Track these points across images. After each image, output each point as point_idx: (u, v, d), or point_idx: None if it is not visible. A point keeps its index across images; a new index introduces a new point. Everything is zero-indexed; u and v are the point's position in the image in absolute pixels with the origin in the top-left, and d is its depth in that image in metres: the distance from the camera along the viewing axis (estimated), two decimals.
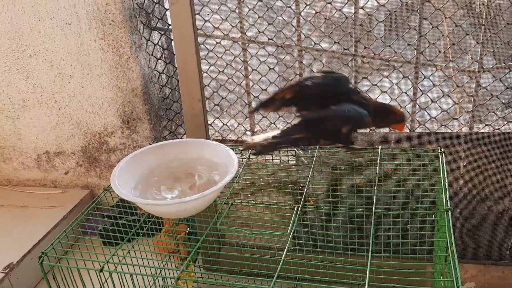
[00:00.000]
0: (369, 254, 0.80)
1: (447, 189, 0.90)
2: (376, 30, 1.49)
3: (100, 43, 1.53)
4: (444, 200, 0.87)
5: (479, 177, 1.30)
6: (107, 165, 1.76)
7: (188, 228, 1.54)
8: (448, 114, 1.42)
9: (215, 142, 1.02)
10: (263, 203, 1.17)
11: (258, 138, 0.96)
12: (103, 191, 1.03)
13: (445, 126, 1.45)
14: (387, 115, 0.94)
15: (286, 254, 0.81)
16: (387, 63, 1.46)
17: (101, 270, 0.77)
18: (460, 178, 1.32)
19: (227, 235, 1.48)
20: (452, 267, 0.71)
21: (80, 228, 1.64)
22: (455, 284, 0.68)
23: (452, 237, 0.77)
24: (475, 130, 1.42)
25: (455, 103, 1.41)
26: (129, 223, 1.16)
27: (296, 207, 0.92)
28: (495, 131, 1.37)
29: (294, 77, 1.54)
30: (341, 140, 0.97)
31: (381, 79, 1.47)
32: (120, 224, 1.34)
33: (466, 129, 1.42)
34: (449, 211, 0.84)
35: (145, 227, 1.29)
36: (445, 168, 0.98)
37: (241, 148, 0.95)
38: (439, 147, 1.05)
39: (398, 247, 1.03)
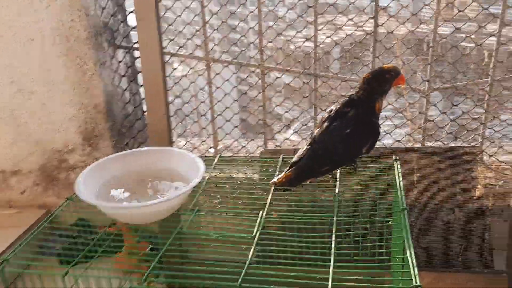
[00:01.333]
0: (331, 264, 0.81)
1: (402, 191, 0.95)
2: (334, 51, 1.58)
3: (64, 60, 1.53)
4: (400, 201, 0.92)
5: (432, 187, 1.38)
6: (66, 183, 1.72)
7: (150, 245, 1.52)
8: (401, 129, 1.51)
9: (181, 150, 1.04)
10: (227, 214, 1.18)
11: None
12: (66, 201, 1.02)
13: (399, 141, 1.53)
14: (383, 78, 0.99)
15: (248, 266, 0.82)
16: (344, 82, 1.54)
17: (65, 274, 0.76)
18: (414, 188, 1.39)
19: (189, 250, 1.48)
20: (409, 260, 0.75)
21: (38, 247, 1.58)
22: (412, 275, 0.72)
23: (409, 233, 0.81)
24: (426, 145, 1.51)
25: (407, 120, 1.50)
26: (88, 241, 1.14)
27: (261, 212, 0.94)
28: (444, 145, 1.47)
29: (257, 95, 1.59)
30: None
31: (339, 98, 1.55)
32: (78, 243, 1.32)
33: (418, 145, 1.51)
34: (405, 211, 0.89)
35: (104, 244, 1.27)
36: (399, 172, 1.04)
37: (275, 185, 1.00)
38: (393, 156, 1.12)
39: (359, 257, 1.07)
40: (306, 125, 1.62)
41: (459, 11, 1.36)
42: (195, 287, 1.37)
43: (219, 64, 1.59)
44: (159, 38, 1.29)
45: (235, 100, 1.65)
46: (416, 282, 0.70)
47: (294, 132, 1.64)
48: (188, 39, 1.56)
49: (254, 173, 1.37)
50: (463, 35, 1.39)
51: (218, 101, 1.64)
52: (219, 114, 1.65)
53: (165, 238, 1.34)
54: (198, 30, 1.55)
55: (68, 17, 1.48)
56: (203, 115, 1.66)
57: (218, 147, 1.73)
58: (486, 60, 1.39)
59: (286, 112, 1.61)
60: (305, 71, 1.55)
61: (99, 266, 1.12)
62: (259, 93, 1.60)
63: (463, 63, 1.45)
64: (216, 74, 1.61)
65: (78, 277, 0.80)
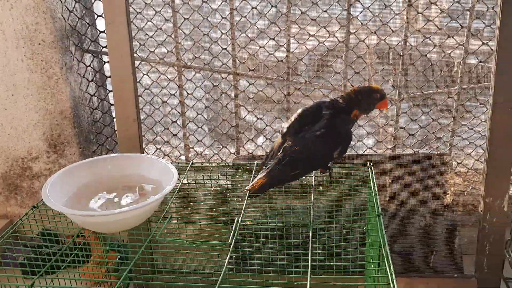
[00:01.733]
0: (308, 270, 0.79)
1: (377, 196, 0.95)
2: (306, 59, 1.58)
3: (28, 63, 1.47)
4: (375, 206, 0.92)
5: (404, 193, 1.39)
6: (30, 192, 1.65)
7: (119, 256, 1.47)
8: (373, 136, 1.52)
9: (153, 157, 1.01)
10: (200, 222, 1.16)
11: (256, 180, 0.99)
12: (31, 209, 0.97)
13: (370, 149, 1.55)
14: (369, 96, 1.00)
15: (224, 273, 0.80)
16: (317, 89, 1.54)
17: (32, 285, 0.72)
18: (387, 194, 1.40)
19: (160, 264, 1.43)
20: (386, 264, 0.75)
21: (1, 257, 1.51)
22: (390, 279, 0.71)
23: (385, 238, 0.81)
24: (397, 152, 1.53)
25: (379, 127, 1.52)
26: (53, 251, 1.09)
27: (236, 218, 0.92)
28: (414, 153, 1.49)
29: (229, 101, 1.58)
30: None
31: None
32: (44, 253, 1.26)
33: (389, 151, 1.53)
34: (380, 216, 0.89)
35: (71, 254, 1.22)
36: (374, 178, 1.04)
37: (250, 191, 0.97)
38: (368, 161, 1.12)
39: (334, 262, 1.06)
40: (279, 132, 1.61)
41: (428, 21, 1.39)
42: None
43: (188, 71, 1.56)
44: (130, 42, 1.25)
45: (207, 107, 1.63)
46: (394, 287, 0.69)
47: (267, 139, 1.63)
48: (159, 44, 1.53)
49: (228, 180, 1.35)
50: (431, 46, 1.42)
51: (190, 107, 1.62)
52: (190, 121, 1.62)
53: (135, 248, 1.30)
54: (169, 35, 1.52)
55: (33, 20, 1.43)
56: (174, 121, 1.63)
57: (190, 154, 1.70)
58: (455, 68, 1.43)
59: (259, 119, 1.59)
60: (278, 77, 1.55)
61: (65, 277, 1.07)
62: (231, 99, 1.59)
63: (433, 72, 1.48)
64: (188, 80, 1.59)
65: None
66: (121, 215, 0.81)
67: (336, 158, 1.02)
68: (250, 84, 1.56)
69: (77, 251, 1.28)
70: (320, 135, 0.97)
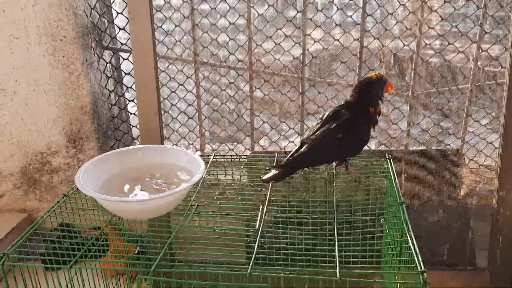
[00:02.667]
0: (336, 259, 0.81)
1: (398, 186, 0.98)
2: (322, 55, 1.62)
3: (50, 59, 1.51)
4: (397, 196, 0.95)
5: (419, 188, 1.42)
6: (48, 186, 1.68)
7: (138, 248, 1.50)
8: (387, 133, 1.55)
9: (180, 148, 1.04)
10: (221, 213, 1.18)
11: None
12: (63, 197, 1.00)
13: (384, 145, 1.58)
14: (373, 89, 1.03)
15: (252, 267, 0.80)
16: (332, 86, 1.58)
17: (71, 267, 0.75)
18: (402, 189, 1.43)
19: (181, 253, 1.46)
20: (412, 248, 0.78)
21: (20, 251, 1.53)
22: (417, 261, 0.74)
23: (409, 224, 0.84)
24: (410, 148, 1.56)
25: (392, 123, 1.55)
26: (73, 246, 1.11)
27: (261, 206, 0.95)
28: (427, 148, 1.52)
29: (246, 98, 1.61)
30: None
31: (326, 102, 1.58)
32: (63, 247, 1.28)
33: (402, 148, 1.56)
34: (403, 204, 0.92)
35: (94, 246, 1.24)
36: (394, 170, 1.07)
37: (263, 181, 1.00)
38: (386, 154, 1.15)
39: (348, 256, 1.08)
40: (293, 128, 1.64)
41: (442, 18, 1.42)
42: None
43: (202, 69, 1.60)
44: (153, 37, 1.29)
45: (223, 103, 1.66)
46: (421, 268, 0.72)
47: (281, 135, 1.66)
48: (177, 41, 1.56)
49: (247, 174, 1.37)
50: (444, 43, 1.46)
51: (206, 104, 1.65)
52: (206, 117, 1.66)
53: (156, 242, 1.33)
54: (187, 32, 1.56)
55: (55, 16, 1.46)
56: (191, 117, 1.66)
57: (205, 150, 1.73)
58: (470, 66, 1.46)
59: (274, 115, 1.63)
60: (293, 74, 1.58)
61: (88, 269, 1.10)
62: (247, 96, 1.62)
63: (447, 70, 1.51)
64: (204, 77, 1.62)
65: (79, 269, 0.78)
66: (154, 202, 0.84)
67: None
68: (265, 81, 1.59)
69: (99, 245, 1.31)
70: (340, 138, 1.00)
